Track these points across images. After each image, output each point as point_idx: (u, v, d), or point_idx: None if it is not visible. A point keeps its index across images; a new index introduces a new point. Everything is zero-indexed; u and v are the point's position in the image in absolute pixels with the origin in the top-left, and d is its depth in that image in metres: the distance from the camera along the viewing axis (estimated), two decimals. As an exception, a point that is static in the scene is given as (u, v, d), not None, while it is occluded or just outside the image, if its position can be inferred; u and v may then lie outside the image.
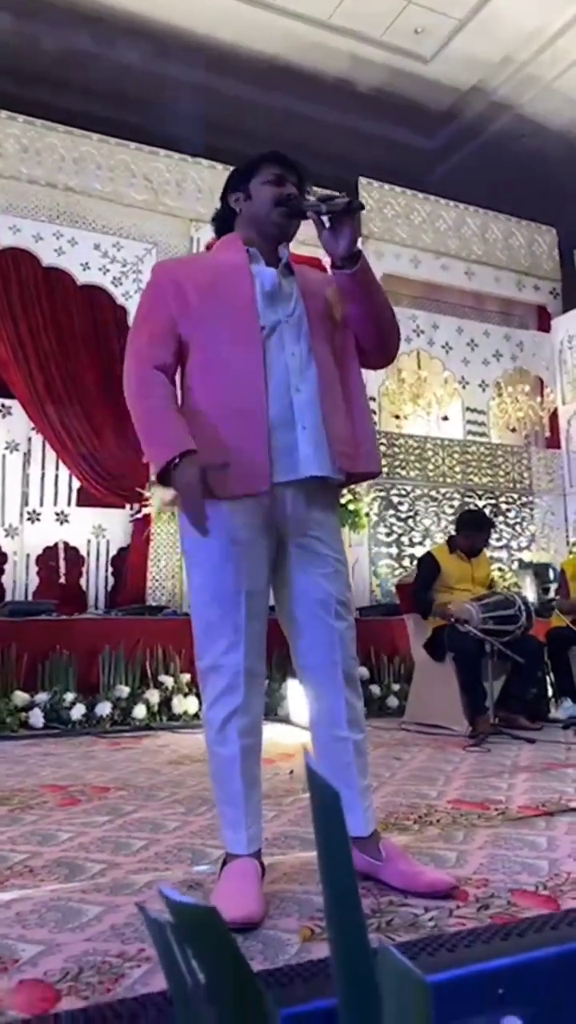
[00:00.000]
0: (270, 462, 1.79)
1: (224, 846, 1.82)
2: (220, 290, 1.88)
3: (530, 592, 6.85)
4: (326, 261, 1.93)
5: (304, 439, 1.83)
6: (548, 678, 5.05)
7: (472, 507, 7.23)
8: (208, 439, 1.78)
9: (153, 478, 1.86)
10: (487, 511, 7.32)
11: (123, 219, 6.69)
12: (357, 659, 1.95)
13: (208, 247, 6.63)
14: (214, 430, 1.80)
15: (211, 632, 1.81)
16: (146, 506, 6.23)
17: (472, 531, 4.86)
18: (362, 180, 7.68)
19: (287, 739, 4.05)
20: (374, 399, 7.25)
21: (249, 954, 1.49)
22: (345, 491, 5.47)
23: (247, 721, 1.79)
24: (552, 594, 6.59)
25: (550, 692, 5.07)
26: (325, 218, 1.83)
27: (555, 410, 8.17)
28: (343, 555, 1.97)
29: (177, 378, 1.93)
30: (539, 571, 7.10)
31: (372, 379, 6.93)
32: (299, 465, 1.82)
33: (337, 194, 1.87)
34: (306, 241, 1.94)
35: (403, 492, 7.26)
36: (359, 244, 1.87)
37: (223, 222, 2.07)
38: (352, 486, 5.02)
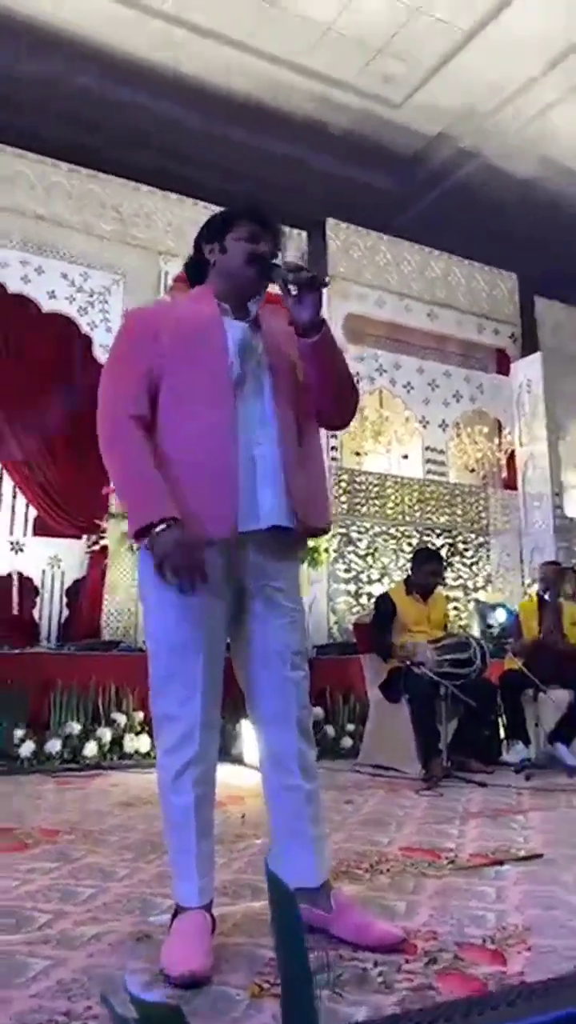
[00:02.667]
0: (235, 512, 1.81)
1: (174, 897, 1.81)
2: (195, 341, 1.91)
3: (475, 630, 6.95)
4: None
5: (264, 491, 1.86)
6: (500, 720, 5.09)
7: (428, 545, 7.30)
8: (176, 486, 1.80)
9: (128, 532, 1.86)
10: (444, 550, 7.40)
11: (91, 249, 6.71)
12: (310, 708, 1.97)
13: (176, 280, 6.68)
14: (182, 477, 1.81)
15: (168, 681, 1.82)
16: (103, 538, 6.19)
17: (421, 563, 4.94)
18: (330, 220, 7.80)
19: (239, 781, 4.02)
20: (335, 436, 7.30)
21: (197, 1011, 1.47)
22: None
23: (202, 771, 1.79)
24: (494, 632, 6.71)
25: (502, 734, 5.11)
26: (292, 288, 1.88)
27: (512, 452, 8.31)
28: (301, 605, 2.00)
29: None
30: (483, 611, 7.22)
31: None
32: (260, 516, 1.85)
33: (303, 267, 1.92)
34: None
35: (362, 529, 7.31)
36: (323, 312, 1.91)
37: (195, 269, 2.09)
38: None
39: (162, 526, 1.74)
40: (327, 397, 2.02)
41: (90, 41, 6.55)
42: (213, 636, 1.83)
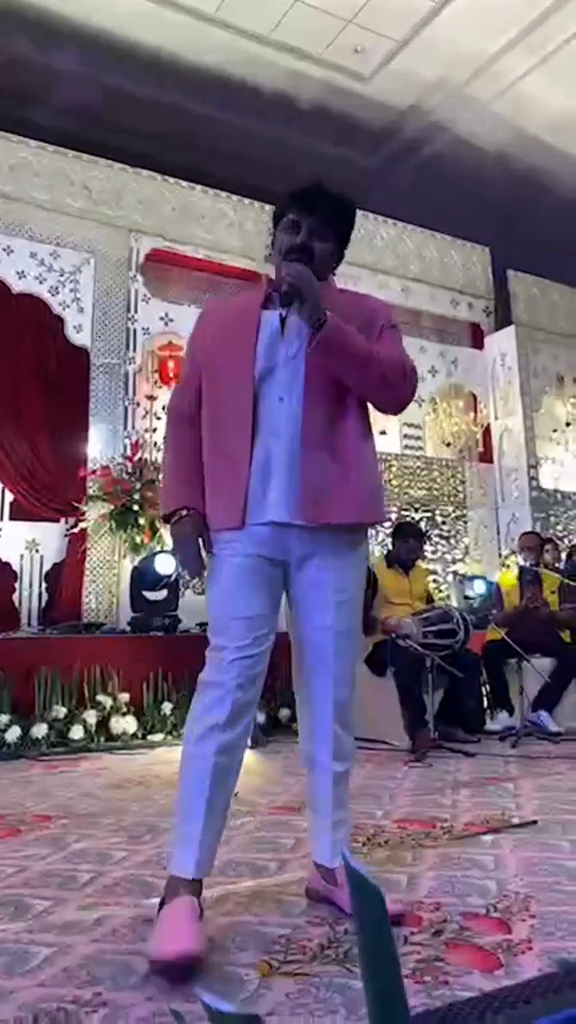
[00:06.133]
0: (245, 503, 1.83)
1: (169, 866, 1.77)
2: (228, 333, 1.95)
3: (455, 602, 7.01)
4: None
5: (274, 485, 1.84)
6: (483, 690, 5.13)
7: (408, 519, 7.31)
8: (207, 474, 1.92)
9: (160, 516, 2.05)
10: (423, 524, 7.42)
11: (61, 228, 6.57)
12: (350, 691, 1.95)
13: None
14: (208, 466, 1.92)
15: (211, 651, 1.87)
16: (82, 520, 6.12)
17: (401, 537, 4.97)
18: (300, 195, 7.70)
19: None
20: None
21: (207, 992, 1.46)
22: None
23: (227, 740, 1.78)
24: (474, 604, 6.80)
25: (486, 704, 5.15)
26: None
27: (488, 425, 8.33)
28: (349, 593, 1.92)
29: None
30: (463, 583, 7.30)
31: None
32: (266, 510, 1.84)
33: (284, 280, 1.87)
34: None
35: (341, 506, 7.28)
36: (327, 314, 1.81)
37: None
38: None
39: (178, 516, 1.91)
40: (357, 388, 1.90)
41: (55, 16, 6.40)
42: (250, 611, 1.84)
